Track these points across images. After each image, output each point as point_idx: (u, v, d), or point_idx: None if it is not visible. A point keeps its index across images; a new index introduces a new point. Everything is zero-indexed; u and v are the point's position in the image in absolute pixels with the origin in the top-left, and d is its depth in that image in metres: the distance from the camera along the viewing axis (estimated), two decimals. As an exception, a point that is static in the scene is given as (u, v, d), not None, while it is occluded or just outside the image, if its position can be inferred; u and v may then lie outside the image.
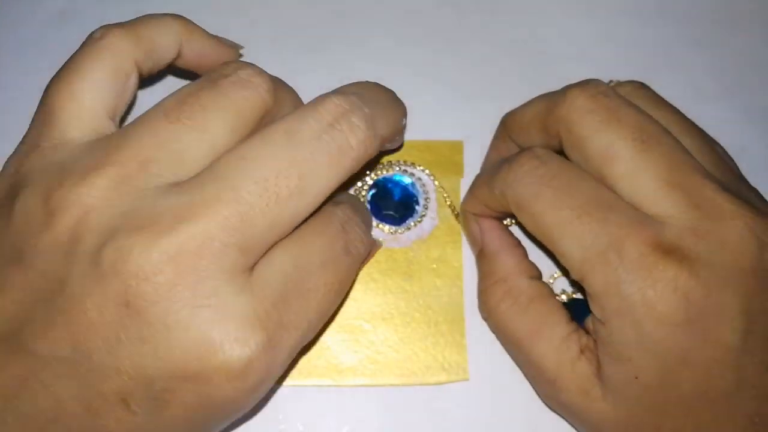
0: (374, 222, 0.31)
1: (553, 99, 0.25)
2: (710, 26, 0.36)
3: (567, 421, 0.27)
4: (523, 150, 0.26)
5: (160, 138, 0.21)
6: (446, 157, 0.32)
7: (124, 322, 0.20)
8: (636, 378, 0.23)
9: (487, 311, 0.28)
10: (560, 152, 0.25)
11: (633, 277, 0.22)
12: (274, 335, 0.21)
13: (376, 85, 0.26)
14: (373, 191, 0.32)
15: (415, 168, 0.32)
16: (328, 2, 0.34)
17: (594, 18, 0.36)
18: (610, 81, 0.29)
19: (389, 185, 0.32)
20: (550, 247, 0.24)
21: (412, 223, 0.31)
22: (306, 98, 0.24)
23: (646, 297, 0.22)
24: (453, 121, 0.34)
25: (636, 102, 0.25)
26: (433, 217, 0.31)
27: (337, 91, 0.23)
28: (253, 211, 0.20)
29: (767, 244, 0.22)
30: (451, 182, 0.32)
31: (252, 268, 0.21)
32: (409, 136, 0.31)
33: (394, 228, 0.31)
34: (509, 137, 0.29)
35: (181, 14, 0.27)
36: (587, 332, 0.25)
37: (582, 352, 0.25)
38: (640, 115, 0.24)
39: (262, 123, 0.23)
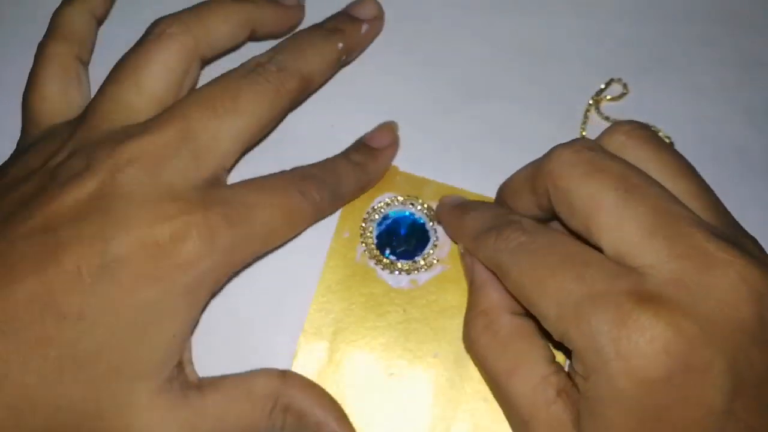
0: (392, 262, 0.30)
1: (540, 160, 0.25)
2: (710, 25, 0.35)
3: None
4: (510, 220, 0.26)
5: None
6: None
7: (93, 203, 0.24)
8: None
9: (467, 342, 0.27)
10: (552, 213, 0.26)
11: (607, 328, 0.21)
12: (217, 223, 0.25)
13: (302, 33, 0.31)
14: (379, 232, 0.31)
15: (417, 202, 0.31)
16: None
17: (594, 17, 0.35)
18: (607, 118, 0.30)
19: (392, 223, 0.31)
20: (530, 310, 0.24)
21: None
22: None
23: (620, 350, 0.20)
24: (451, 126, 0.33)
25: (630, 145, 0.25)
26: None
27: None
28: (198, 123, 0.26)
29: (762, 295, 0.21)
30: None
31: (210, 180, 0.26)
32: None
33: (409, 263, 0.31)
34: (505, 204, 0.29)
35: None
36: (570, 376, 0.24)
37: (558, 395, 0.24)
38: (624, 166, 0.24)
39: None
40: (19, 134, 0.29)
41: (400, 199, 0.31)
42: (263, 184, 0.28)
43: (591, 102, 0.34)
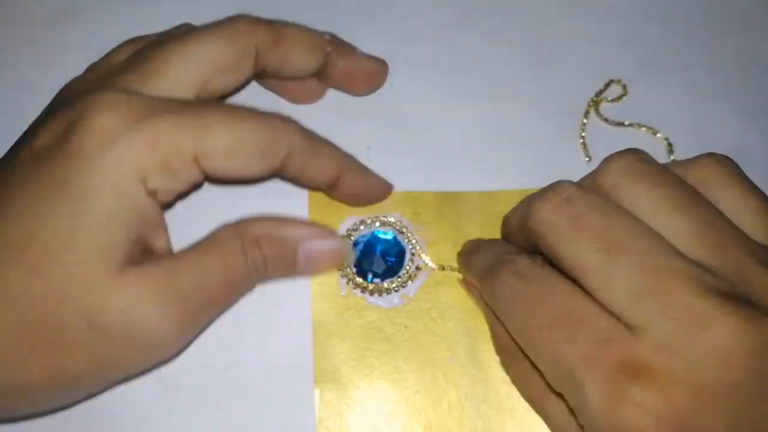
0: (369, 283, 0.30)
1: (525, 209, 0.25)
2: (709, 27, 0.36)
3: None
4: (504, 261, 0.26)
5: None
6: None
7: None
8: None
9: (504, 370, 0.28)
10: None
11: (599, 400, 0.20)
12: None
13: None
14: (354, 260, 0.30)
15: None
16: (328, 5, 0.33)
17: (593, 18, 0.36)
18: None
19: (364, 246, 0.31)
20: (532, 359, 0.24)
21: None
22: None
23: (613, 423, 0.20)
24: (451, 126, 0.33)
25: (622, 184, 0.23)
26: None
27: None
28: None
29: (759, 352, 0.20)
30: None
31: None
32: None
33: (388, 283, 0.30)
34: (508, 239, 0.29)
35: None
36: None
37: None
38: (606, 220, 0.22)
39: None
40: (19, 134, 0.28)
41: (366, 221, 0.31)
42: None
43: (590, 103, 0.34)
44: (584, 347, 0.21)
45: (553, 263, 0.24)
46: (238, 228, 0.26)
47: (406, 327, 0.30)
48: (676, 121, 0.34)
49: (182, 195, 0.27)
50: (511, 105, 0.33)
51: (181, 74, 0.26)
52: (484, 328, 0.30)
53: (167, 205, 0.26)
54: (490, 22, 0.35)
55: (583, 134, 0.34)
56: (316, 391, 0.28)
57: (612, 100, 0.34)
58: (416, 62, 0.34)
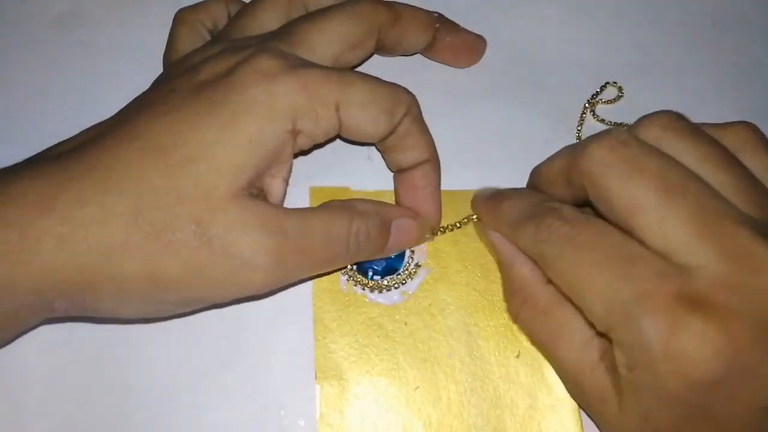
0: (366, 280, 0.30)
1: (573, 153, 0.25)
2: (705, 29, 0.36)
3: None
4: (549, 207, 0.26)
5: None
6: None
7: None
8: (646, 420, 0.23)
9: (512, 318, 0.29)
10: (589, 203, 0.25)
11: (656, 331, 0.21)
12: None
13: None
14: None
15: None
16: None
17: (589, 21, 0.36)
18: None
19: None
20: (574, 301, 0.24)
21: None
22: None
23: (670, 352, 0.21)
24: (450, 127, 0.34)
25: (666, 137, 0.24)
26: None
27: None
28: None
29: None
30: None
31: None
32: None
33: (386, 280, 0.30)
34: (539, 190, 0.29)
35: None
36: None
37: (601, 358, 0.25)
38: (663, 162, 0.23)
39: None
40: (21, 134, 0.30)
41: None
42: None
43: (586, 105, 0.35)
44: (640, 282, 0.22)
45: (598, 212, 0.25)
46: (347, 203, 0.28)
47: (406, 324, 0.30)
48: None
49: (317, 145, 0.29)
50: (509, 106, 0.34)
51: (323, 47, 0.28)
52: (484, 324, 0.30)
53: (303, 152, 0.30)
54: (487, 25, 0.35)
55: (579, 135, 0.34)
56: (317, 387, 0.29)
57: (608, 102, 0.35)
58: (416, 63, 0.34)
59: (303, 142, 0.27)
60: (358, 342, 0.29)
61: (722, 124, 0.26)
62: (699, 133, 0.25)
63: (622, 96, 0.35)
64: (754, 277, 0.21)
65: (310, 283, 0.30)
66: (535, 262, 0.27)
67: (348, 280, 0.30)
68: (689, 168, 0.23)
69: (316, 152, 0.32)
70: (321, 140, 0.28)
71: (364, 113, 0.27)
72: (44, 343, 0.28)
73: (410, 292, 0.30)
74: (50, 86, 0.31)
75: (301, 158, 0.31)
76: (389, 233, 0.29)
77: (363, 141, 0.29)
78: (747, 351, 0.21)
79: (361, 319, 0.30)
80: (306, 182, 0.32)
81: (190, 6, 0.32)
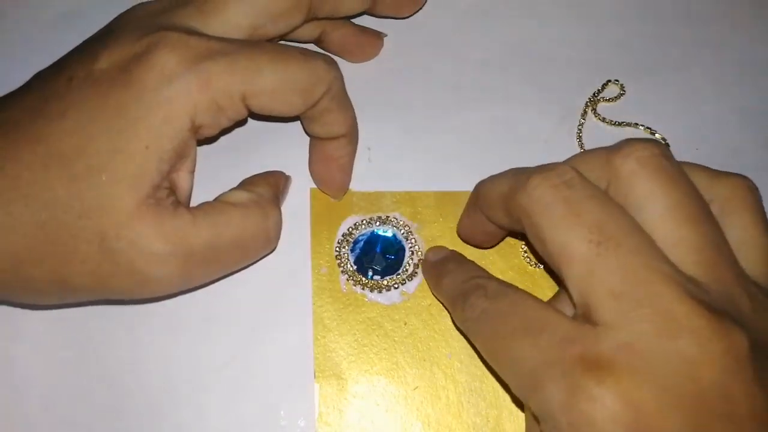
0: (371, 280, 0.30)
1: (515, 182, 0.24)
2: (705, 27, 0.36)
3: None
4: (476, 285, 0.25)
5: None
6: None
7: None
8: None
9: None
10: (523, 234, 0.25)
11: (559, 398, 0.20)
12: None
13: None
14: (355, 257, 0.31)
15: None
16: None
17: (590, 19, 0.36)
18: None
19: (364, 245, 0.31)
20: (501, 377, 0.23)
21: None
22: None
23: (572, 421, 0.20)
24: (451, 127, 0.34)
25: (640, 174, 0.22)
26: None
27: None
28: None
29: (727, 369, 0.19)
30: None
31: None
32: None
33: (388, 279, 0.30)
34: (479, 209, 0.27)
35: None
36: None
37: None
38: (604, 210, 0.22)
39: None
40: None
41: (365, 219, 0.31)
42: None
43: (588, 103, 0.34)
44: (546, 349, 0.21)
45: (530, 245, 0.24)
46: (251, 192, 0.28)
47: (405, 323, 0.30)
48: (673, 120, 0.34)
49: (225, 131, 0.28)
50: (510, 105, 0.34)
51: (238, 18, 0.27)
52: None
53: (210, 139, 0.29)
54: (488, 24, 0.35)
55: (580, 134, 0.34)
56: (316, 386, 0.29)
57: (609, 100, 0.35)
58: (416, 64, 0.34)
59: (207, 132, 0.26)
60: (357, 341, 0.30)
61: (718, 172, 0.25)
62: (677, 177, 0.23)
63: (623, 94, 0.35)
64: (668, 341, 0.20)
65: (309, 283, 0.30)
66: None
67: (348, 280, 0.30)
68: (645, 213, 0.22)
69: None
70: (227, 125, 0.27)
71: (274, 100, 0.26)
72: (42, 342, 0.29)
73: (410, 292, 0.30)
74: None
75: (302, 159, 0.31)
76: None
77: (279, 118, 0.28)
78: (648, 420, 0.19)
79: (361, 318, 0.30)
80: (307, 183, 0.32)
81: None
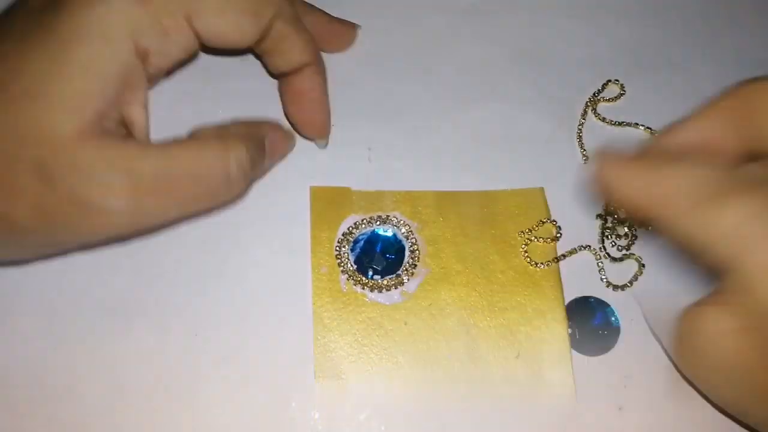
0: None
1: (743, 92, 0.24)
2: (705, 27, 0.36)
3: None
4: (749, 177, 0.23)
5: None
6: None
7: None
8: None
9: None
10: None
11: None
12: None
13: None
14: (355, 257, 0.31)
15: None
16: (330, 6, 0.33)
17: (590, 19, 0.36)
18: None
19: (365, 244, 0.31)
20: None
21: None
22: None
23: None
24: (451, 127, 0.34)
25: None
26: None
27: None
28: None
29: None
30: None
31: None
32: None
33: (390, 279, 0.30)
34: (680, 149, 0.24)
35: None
36: None
37: None
38: None
39: None
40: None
41: (365, 218, 0.31)
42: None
43: (588, 103, 0.34)
44: None
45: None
46: (219, 130, 0.27)
47: (405, 323, 0.30)
48: (672, 120, 0.34)
49: (178, 64, 0.27)
50: (510, 105, 0.34)
51: None
52: (484, 325, 0.30)
53: (166, 72, 0.27)
54: (488, 24, 0.35)
55: (580, 134, 0.34)
56: (316, 386, 0.29)
57: (609, 100, 0.35)
58: (416, 64, 0.35)
59: (158, 62, 0.25)
60: (357, 341, 0.29)
61: None
62: None
63: (623, 94, 0.35)
64: None
65: (309, 283, 0.30)
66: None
67: (348, 280, 0.30)
68: None
69: (316, 152, 0.32)
70: (181, 56, 0.26)
71: (222, 20, 0.25)
72: (44, 334, 0.29)
73: (410, 292, 0.30)
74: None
75: (301, 158, 0.32)
76: (265, 151, 0.28)
77: (232, 48, 0.27)
78: None
79: (361, 318, 0.30)
80: (306, 182, 0.32)
81: None
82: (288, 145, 0.31)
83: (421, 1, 0.33)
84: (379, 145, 0.33)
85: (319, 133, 0.31)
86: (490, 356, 0.29)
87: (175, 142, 0.25)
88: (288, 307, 0.30)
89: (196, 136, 0.26)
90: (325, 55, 0.32)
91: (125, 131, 0.25)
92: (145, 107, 0.25)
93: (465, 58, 0.35)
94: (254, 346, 0.29)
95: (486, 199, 0.32)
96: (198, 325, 0.29)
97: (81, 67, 0.23)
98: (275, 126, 0.30)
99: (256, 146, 0.27)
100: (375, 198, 0.32)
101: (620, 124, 0.34)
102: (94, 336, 0.29)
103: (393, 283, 0.30)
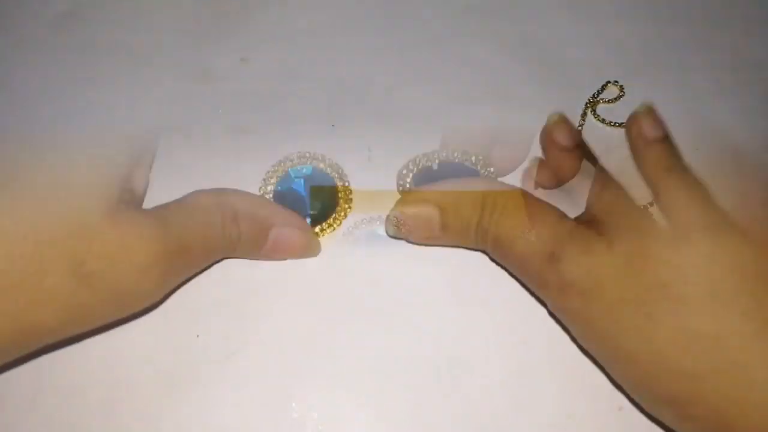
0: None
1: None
2: (705, 28, 0.37)
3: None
4: None
5: None
6: None
7: None
8: None
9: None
10: None
11: None
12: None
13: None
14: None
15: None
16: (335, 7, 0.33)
17: (589, 21, 0.36)
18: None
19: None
20: None
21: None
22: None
23: None
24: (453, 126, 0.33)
25: None
26: None
27: None
28: None
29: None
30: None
31: None
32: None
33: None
34: None
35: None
36: None
37: None
38: None
39: None
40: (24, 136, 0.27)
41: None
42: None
43: (587, 104, 0.34)
44: None
45: None
46: (219, 198, 0.25)
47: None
48: (671, 121, 0.34)
49: None
50: (510, 106, 0.34)
51: None
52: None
53: None
54: (488, 25, 0.36)
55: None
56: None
57: (609, 101, 0.35)
58: (416, 64, 0.35)
59: None
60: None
61: None
62: None
63: (623, 95, 0.35)
64: None
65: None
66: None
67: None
68: None
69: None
70: None
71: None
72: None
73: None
74: (50, 86, 0.31)
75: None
76: (265, 237, 0.27)
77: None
78: None
79: (361, 318, 0.30)
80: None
81: None
82: (301, 248, 0.28)
83: (421, 0, 0.33)
84: (379, 145, 0.33)
85: (308, 254, 0.29)
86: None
87: (183, 210, 0.24)
88: (289, 306, 0.30)
89: (198, 205, 0.25)
90: (319, 55, 0.32)
91: (131, 194, 0.24)
92: (149, 166, 0.26)
93: (465, 58, 0.35)
94: (254, 345, 0.29)
95: (486, 199, 0.32)
96: (198, 325, 0.29)
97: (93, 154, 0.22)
98: (292, 220, 0.27)
99: (253, 232, 0.27)
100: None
101: (620, 125, 0.34)
102: (94, 336, 0.29)
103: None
